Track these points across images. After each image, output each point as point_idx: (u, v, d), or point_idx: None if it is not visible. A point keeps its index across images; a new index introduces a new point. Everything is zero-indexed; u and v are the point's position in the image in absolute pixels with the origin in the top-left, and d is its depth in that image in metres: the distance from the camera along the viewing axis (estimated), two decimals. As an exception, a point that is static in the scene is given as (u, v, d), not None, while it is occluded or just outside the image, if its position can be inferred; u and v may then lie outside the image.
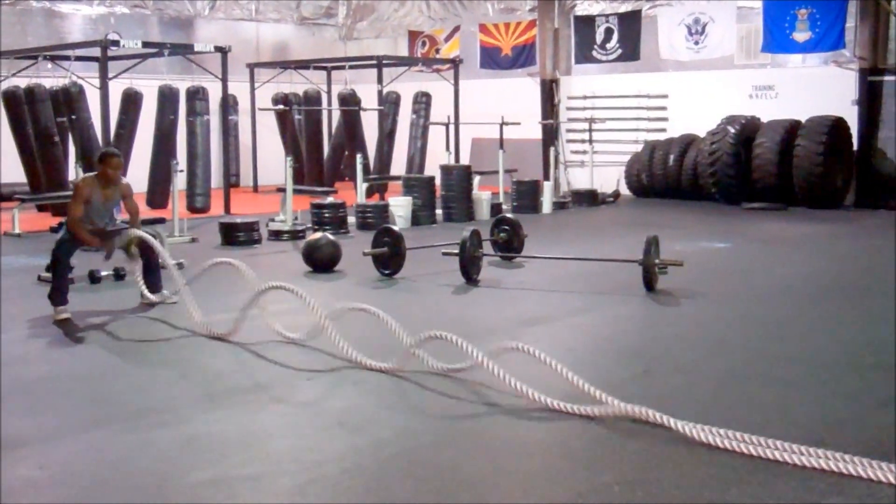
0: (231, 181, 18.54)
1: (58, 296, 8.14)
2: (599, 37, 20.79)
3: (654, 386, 6.05)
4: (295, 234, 13.24)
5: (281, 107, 19.01)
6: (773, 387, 5.97)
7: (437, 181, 16.03)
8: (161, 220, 11.38)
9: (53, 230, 10.29)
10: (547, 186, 17.57)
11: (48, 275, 9.75)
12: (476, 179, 16.56)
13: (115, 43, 15.72)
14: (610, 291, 9.30)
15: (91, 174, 8.65)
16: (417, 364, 6.20)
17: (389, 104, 19.98)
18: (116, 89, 16.21)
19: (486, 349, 5.85)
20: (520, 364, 5.77)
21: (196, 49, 17.28)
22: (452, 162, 17.74)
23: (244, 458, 4.78)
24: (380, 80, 19.34)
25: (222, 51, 16.75)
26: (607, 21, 20.71)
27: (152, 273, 8.72)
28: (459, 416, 5.44)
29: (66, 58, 16.84)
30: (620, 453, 4.79)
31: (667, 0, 20.29)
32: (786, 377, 6.20)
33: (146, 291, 8.63)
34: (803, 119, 17.30)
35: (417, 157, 20.55)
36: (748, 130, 17.71)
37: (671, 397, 5.69)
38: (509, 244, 11.16)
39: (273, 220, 14.07)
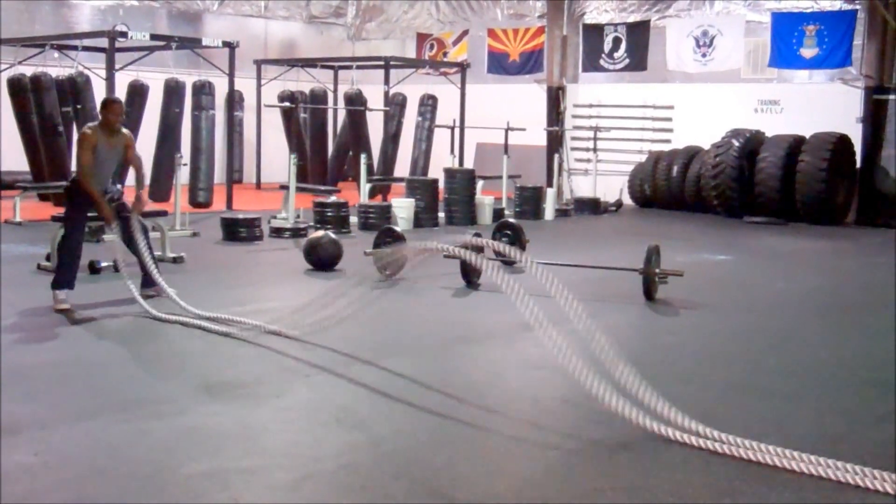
0: (234, 177, 18.53)
1: (63, 277, 8.07)
2: (607, 46, 20.81)
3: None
4: (296, 232, 13.24)
5: (287, 104, 18.99)
6: (770, 399, 5.97)
7: (441, 184, 16.05)
8: (163, 214, 11.35)
9: (55, 219, 10.27)
10: (550, 193, 17.59)
11: (48, 263, 9.76)
12: (479, 184, 16.58)
13: (123, 34, 15.72)
14: (609, 299, 9.30)
15: (94, 123, 8.54)
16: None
17: (395, 105, 19.99)
18: (123, 81, 16.21)
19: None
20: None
21: (204, 43, 17.28)
22: (456, 165, 17.76)
23: (240, 451, 4.78)
24: (386, 81, 19.37)
25: (230, 46, 16.77)
26: (616, 30, 20.73)
27: (142, 260, 8.46)
28: (456, 417, 5.44)
29: (74, 47, 16.86)
30: (615, 459, 4.79)
31: (676, 12, 20.32)
32: (783, 390, 6.21)
33: (143, 287, 8.49)
34: (807, 135, 17.33)
35: (421, 159, 20.55)
36: (752, 144, 17.73)
37: (668, 406, 5.69)
38: (511, 249, 11.14)
39: (275, 217, 14.08)
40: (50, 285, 8.16)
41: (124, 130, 8.55)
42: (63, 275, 8.14)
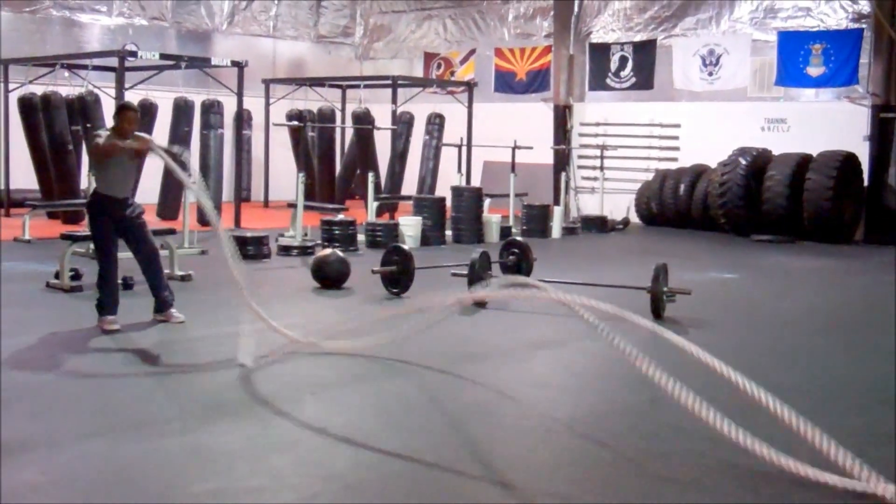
0: (242, 195, 18.58)
1: (104, 305, 7.99)
2: (614, 65, 20.86)
3: (660, 413, 6.04)
4: (304, 250, 13.26)
5: (295, 123, 19.05)
6: (778, 418, 5.95)
7: (448, 202, 16.07)
8: (171, 232, 11.37)
9: (64, 237, 10.31)
10: (557, 211, 17.59)
11: (57, 281, 9.79)
12: (486, 202, 16.59)
13: (133, 54, 15.81)
14: (617, 318, 9.27)
15: (106, 129, 8.26)
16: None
17: (403, 124, 20.04)
18: (132, 100, 16.15)
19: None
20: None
21: (213, 63, 17.35)
22: (464, 184, 17.78)
23: (248, 470, 4.78)
24: (394, 100, 19.41)
25: (239, 65, 16.84)
26: (622, 49, 20.78)
27: (157, 282, 8.30)
28: (465, 435, 5.44)
29: (84, 67, 16.95)
30: (635, 477, 4.78)
31: (682, 31, 20.37)
32: (791, 409, 6.18)
33: (157, 309, 8.38)
34: (814, 153, 17.31)
35: (429, 177, 20.59)
36: (759, 163, 17.71)
37: (678, 426, 5.69)
38: (518, 267, 11.17)
39: (283, 235, 14.10)
40: (95, 308, 8.10)
41: (140, 134, 8.16)
42: (104, 303, 8.03)
